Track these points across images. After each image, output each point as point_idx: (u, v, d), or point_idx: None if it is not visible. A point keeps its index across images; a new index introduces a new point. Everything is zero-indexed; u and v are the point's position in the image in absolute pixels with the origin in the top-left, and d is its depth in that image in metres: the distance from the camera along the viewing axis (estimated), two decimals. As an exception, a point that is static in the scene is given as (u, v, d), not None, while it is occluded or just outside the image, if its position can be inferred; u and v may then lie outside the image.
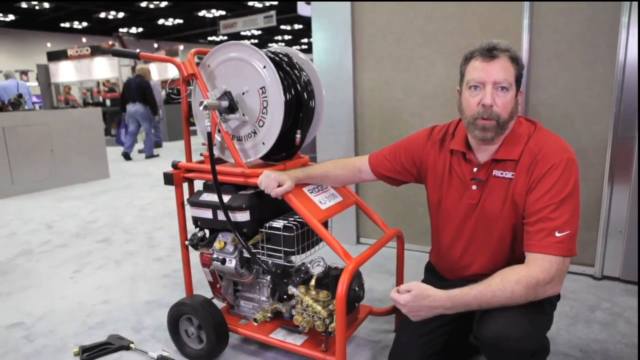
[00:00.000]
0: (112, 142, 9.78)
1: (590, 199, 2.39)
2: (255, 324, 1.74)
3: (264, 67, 1.58)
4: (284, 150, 1.79)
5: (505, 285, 1.19)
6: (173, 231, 3.56)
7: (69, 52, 11.13)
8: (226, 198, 1.65)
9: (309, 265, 1.65)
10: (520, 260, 1.30)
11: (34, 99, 10.14)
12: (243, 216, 1.64)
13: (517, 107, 1.34)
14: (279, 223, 1.64)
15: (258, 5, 16.96)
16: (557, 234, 1.22)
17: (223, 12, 18.36)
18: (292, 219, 1.68)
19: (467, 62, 1.35)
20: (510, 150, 1.35)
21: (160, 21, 20.15)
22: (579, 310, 2.16)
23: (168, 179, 1.83)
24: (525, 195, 1.31)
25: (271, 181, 1.56)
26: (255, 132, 1.67)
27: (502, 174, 1.36)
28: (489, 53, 1.29)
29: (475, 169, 1.42)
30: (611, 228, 2.41)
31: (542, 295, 1.22)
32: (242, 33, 19.87)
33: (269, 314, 1.76)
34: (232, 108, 1.66)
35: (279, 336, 1.74)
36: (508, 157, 1.35)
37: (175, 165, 1.85)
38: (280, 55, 1.72)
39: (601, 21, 2.26)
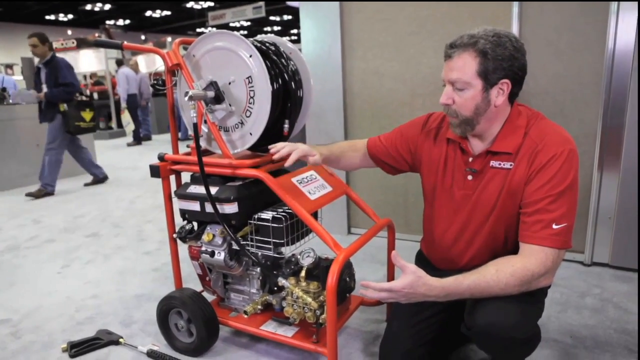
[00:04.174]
0: (100, 135, 9.70)
1: (580, 186, 2.37)
2: (246, 316, 1.72)
3: (250, 56, 1.55)
4: (272, 141, 1.75)
5: (500, 276, 1.18)
6: (162, 224, 3.52)
7: (55, 45, 10.87)
8: (214, 190, 1.63)
9: (299, 257, 1.63)
10: (513, 250, 1.30)
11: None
12: (231, 208, 1.61)
13: (487, 102, 1.29)
14: (267, 214, 1.63)
15: (247, -5, 16.78)
16: (554, 226, 1.21)
17: (211, 3, 18.15)
18: (281, 210, 1.66)
19: None
20: (507, 142, 1.33)
21: (148, 13, 19.89)
22: (569, 296, 2.17)
23: (154, 171, 1.80)
24: (523, 184, 1.29)
25: (289, 150, 1.49)
26: (242, 123, 1.64)
27: (500, 164, 1.34)
28: (447, 52, 1.30)
29: (470, 159, 1.41)
30: (601, 215, 2.42)
31: (534, 287, 1.22)
32: (231, 24, 19.65)
33: (259, 306, 1.74)
34: (219, 98, 1.63)
35: (269, 328, 1.73)
36: (503, 149, 1.33)
37: (161, 158, 1.81)
38: (267, 44, 1.69)
39: (590, 9, 2.25)
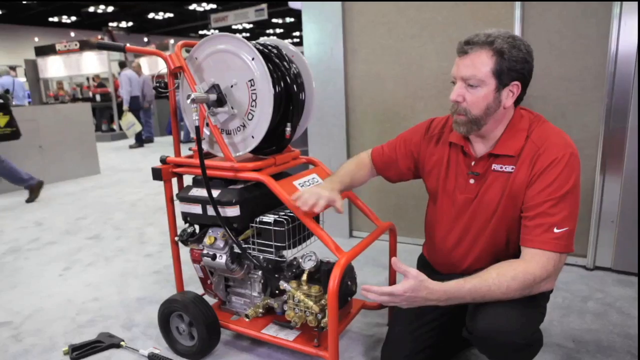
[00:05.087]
0: (102, 137, 9.73)
1: (582, 189, 2.37)
2: (247, 319, 1.72)
3: (253, 59, 1.55)
4: (274, 144, 1.77)
5: (501, 280, 1.18)
6: (164, 227, 3.52)
7: (58, 47, 10.95)
8: (215, 193, 1.63)
9: (300, 260, 1.63)
10: (515, 254, 1.29)
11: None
12: (233, 211, 1.61)
13: (497, 102, 1.29)
14: (269, 217, 1.62)
15: (249, -2, 16.82)
16: (555, 230, 1.21)
17: (214, 6, 18.20)
18: (283, 213, 1.65)
19: None
20: (509, 145, 1.33)
21: (151, 15, 19.97)
22: (571, 301, 2.16)
23: (156, 174, 1.80)
24: (525, 188, 1.29)
25: (316, 198, 1.43)
26: (244, 126, 1.64)
27: (501, 167, 1.34)
28: (462, 48, 1.28)
29: (472, 163, 1.40)
30: (603, 218, 2.41)
31: (536, 291, 1.21)
32: (234, 26, 19.72)
33: (260, 310, 1.74)
34: (221, 101, 1.63)
35: (271, 332, 1.72)
36: (506, 152, 1.33)
37: (163, 160, 1.82)
38: (270, 47, 1.69)
39: (593, 12, 2.25)
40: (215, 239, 1.71)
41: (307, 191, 1.47)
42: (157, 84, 1.83)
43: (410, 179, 1.67)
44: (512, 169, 1.32)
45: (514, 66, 1.26)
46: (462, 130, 1.35)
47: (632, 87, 2.22)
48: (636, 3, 2.14)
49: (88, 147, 5.94)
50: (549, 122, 1.36)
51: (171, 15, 20.16)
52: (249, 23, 18.54)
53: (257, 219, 1.63)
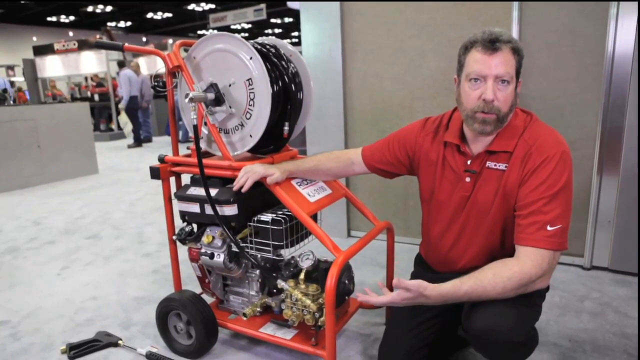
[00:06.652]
0: (100, 137, 9.72)
1: (579, 189, 2.40)
2: (245, 318, 1.72)
3: (251, 58, 1.56)
4: (272, 143, 1.77)
5: (497, 281, 1.18)
6: (163, 226, 3.52)
7: (56, 47, 10.92)
8: (213, 192, 1.63)
9: (298, 259, 1.63)
10: (510, 252, 1.30)
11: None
12: (231, 210, 1.61)
13: (516, 98, 1.31)
14: (267, 216, 1.63)
15: (248, -2, 16.81)
16: (548, 228, 1.22)
17: (212, 6, 18.18)
18: (281, 212, 1.66)
19: (467, 51, 1.31)
20: (506, 142, 1.33)
21: (149, 15, 19.92)
22: (568, 300, 2.17)
23: (154, 173, 1.80)
24: (517, 187, 1.30)
25: (245, 178, 1.55)
26: (242, 125, 1.65)
27: (495, 165, 1.35)
28: (492, 45, 1.25)
29: (469, 161, 1.41)
30: (600, 218, 2.42)
31: (531, 289, 1.22)
32: (232, 26, 19.70)
33: (258, 309, 1.74)
34: (219, 100, 1.64)
35: (268, 331, 1.73)
36: (502, 148, 1.33)
37: (161, 159, 1.82)
38: (268, 47, 1.69)
39: (590, 12, 2.26)
40: (213, 237, 1.71)
41: (243, 169, 1.58)
42: (156, 84, 1.83)
43: (405, 174, 1.67)
44: (505, 167, 1.33)
45: (521, 65, 1.30)
46: (488, 130, 1.31)
47: (629, 87, 2.23)
48: (634, 3, 2.15)
49: (86, 146, 5.94)
50: (541, 120, 1.37)
51: (170, 15, 20.12)
52: (247, 23, 18.53)
53: (255, 218, 1.63)
